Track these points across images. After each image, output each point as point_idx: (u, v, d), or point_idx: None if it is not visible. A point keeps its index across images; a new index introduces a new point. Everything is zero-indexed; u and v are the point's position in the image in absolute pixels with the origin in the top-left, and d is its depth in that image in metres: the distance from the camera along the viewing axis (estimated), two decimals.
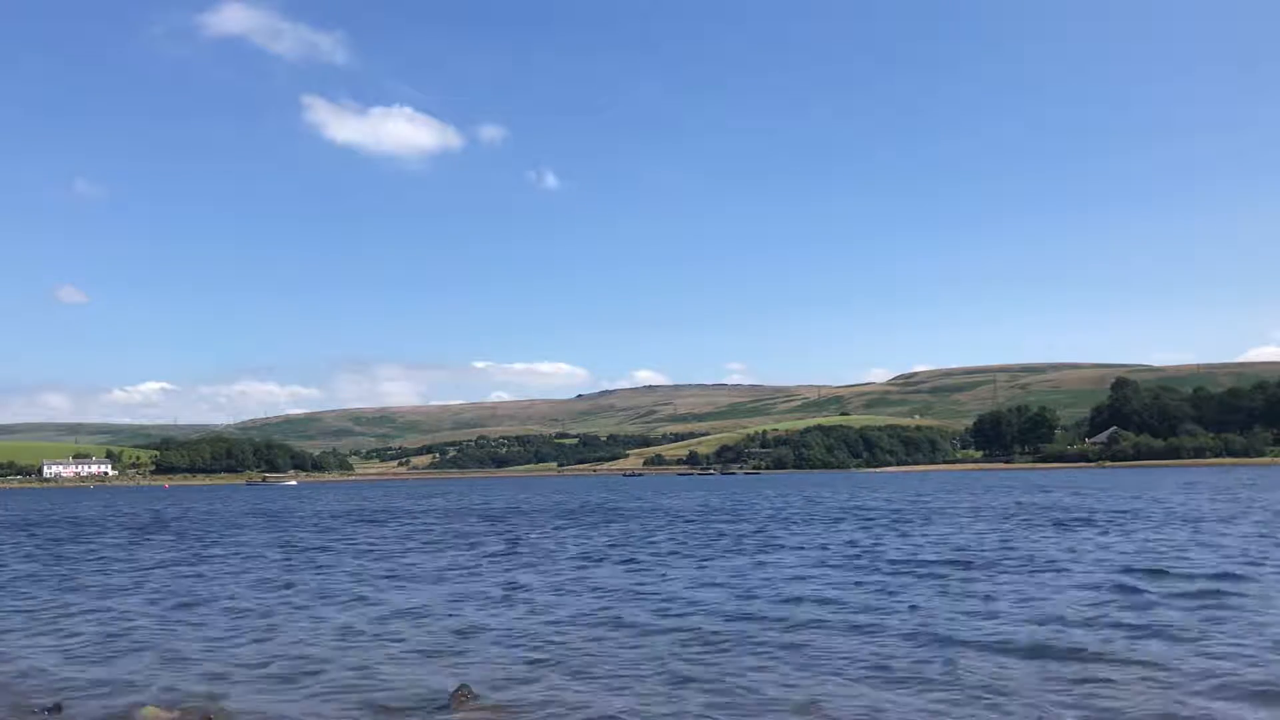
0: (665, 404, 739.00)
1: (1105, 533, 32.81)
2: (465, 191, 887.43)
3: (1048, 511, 46.14)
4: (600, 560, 27.44)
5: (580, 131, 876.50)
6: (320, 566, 27.51)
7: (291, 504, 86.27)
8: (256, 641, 15.69)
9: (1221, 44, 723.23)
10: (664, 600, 18.89)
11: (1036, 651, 13.15)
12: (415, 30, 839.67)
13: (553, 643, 14.77)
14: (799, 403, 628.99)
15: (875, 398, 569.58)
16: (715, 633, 15.14)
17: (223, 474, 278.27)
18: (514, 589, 21.16)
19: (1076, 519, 40.12)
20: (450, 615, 17.82)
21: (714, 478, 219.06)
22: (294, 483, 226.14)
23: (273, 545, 36.22)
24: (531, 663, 13.46)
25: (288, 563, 28.97)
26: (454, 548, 33.17)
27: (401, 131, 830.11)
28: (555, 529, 42.47)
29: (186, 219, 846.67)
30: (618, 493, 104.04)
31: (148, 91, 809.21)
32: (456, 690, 11.67)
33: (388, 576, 24.43)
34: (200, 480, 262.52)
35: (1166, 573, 21.00)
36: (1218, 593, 17.92)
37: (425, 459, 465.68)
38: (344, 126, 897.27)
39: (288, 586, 22.80)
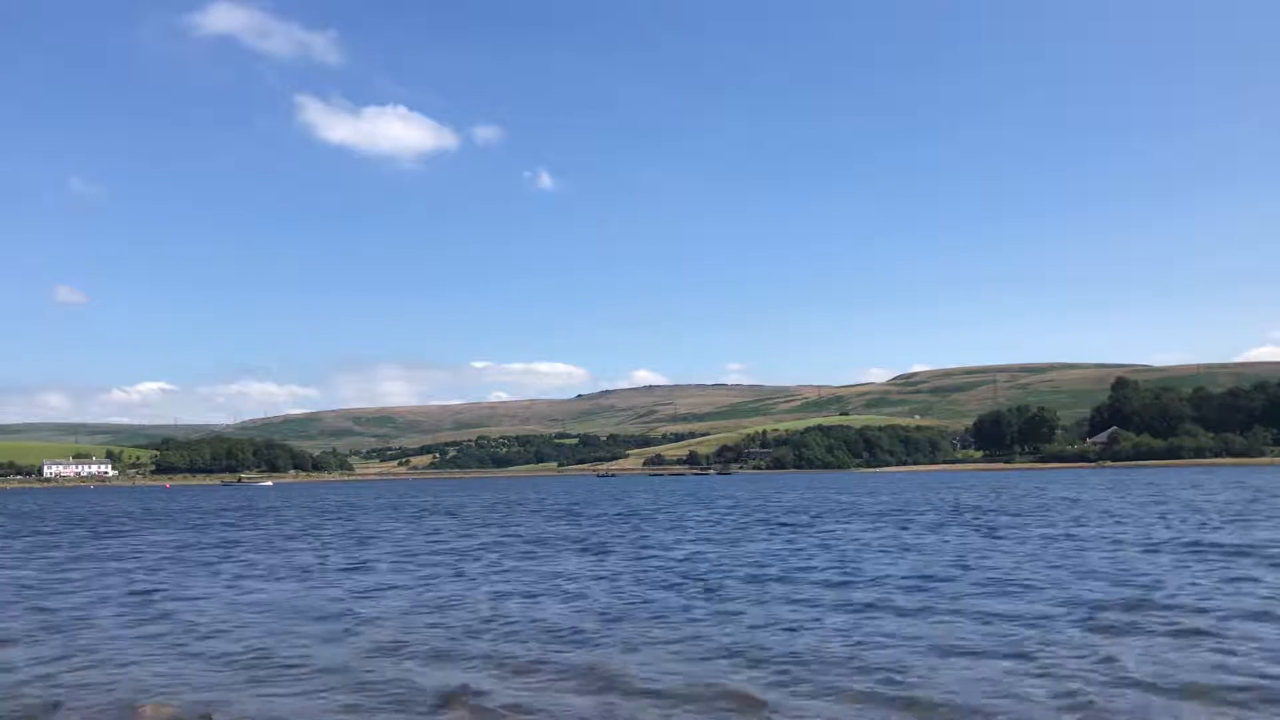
0: (665, 404, 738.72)
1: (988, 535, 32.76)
2: (462, 191, 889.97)
3: (977, 513, 46.00)
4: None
5: (577, 131, 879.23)
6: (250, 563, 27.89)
7: (273, 505, 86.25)
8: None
9: (1221, 44, 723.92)
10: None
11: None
12: (407, 29, 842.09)
13: None
14: (799, 403, 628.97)
15: (875, 398, 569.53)
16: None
17: (223, 474, 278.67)
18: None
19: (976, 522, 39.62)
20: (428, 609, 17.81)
21: (685, 478, 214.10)
22: (269, 484, 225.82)
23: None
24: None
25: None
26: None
27: (396, 131, 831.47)
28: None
29: (184, 219, 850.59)
30: (585, 494, 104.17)
31: (142, 91, 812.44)
32: (455, 690, 11.49)
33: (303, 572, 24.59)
34: (200, 480, 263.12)
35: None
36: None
37: (425, 459, 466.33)
38: (338, 126, 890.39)
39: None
